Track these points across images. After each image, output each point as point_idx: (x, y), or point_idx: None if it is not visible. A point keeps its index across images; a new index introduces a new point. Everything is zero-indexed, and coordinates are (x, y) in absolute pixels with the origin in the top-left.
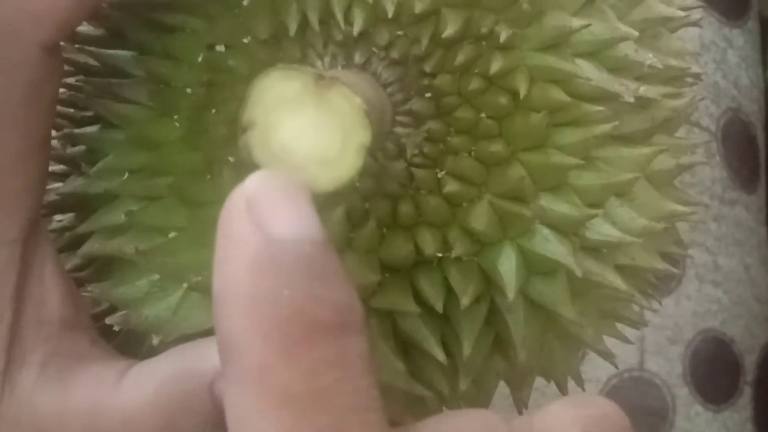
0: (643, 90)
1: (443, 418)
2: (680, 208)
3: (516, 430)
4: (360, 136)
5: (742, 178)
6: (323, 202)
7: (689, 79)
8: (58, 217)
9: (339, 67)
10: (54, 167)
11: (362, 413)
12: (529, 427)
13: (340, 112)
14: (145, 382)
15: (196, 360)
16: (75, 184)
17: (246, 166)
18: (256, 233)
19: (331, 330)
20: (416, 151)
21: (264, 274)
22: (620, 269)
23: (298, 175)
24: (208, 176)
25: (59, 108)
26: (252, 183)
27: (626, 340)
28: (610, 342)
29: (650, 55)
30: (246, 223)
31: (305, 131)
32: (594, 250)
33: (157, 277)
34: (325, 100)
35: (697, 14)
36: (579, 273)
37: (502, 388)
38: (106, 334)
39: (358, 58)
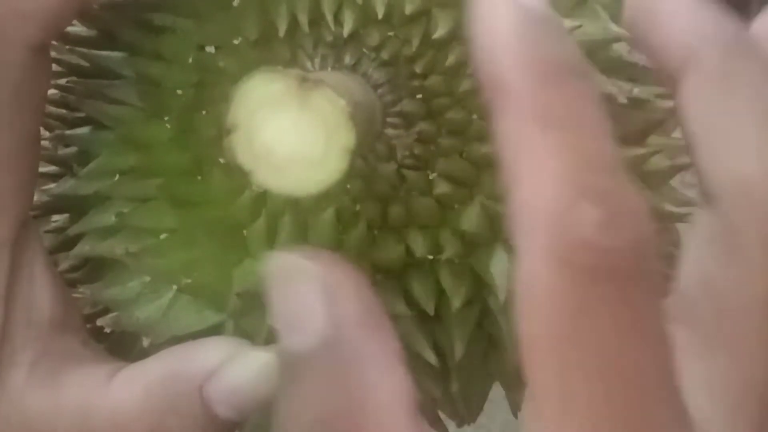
0: (637, 91)
1: None
2: (676, 209)
3: None
4: (344, 138)
5: None
6: (312, 204)
7: None
8: (54, 217)
9: (329, 68)
10: (46, 168)
11: (606, 138)
12: None
13: (323, 115)
14: (134, 384)
15: (186, 362)
16: (66, 185)
17: (236, 167)
18: (510, 10)
19: (578, 73)
20: (407, 153)
21: (525, 30)
22: None
23: (282, 177)
24: (199, 177)
25: (51, 109)
26: None
27: None
28: None
29: (643, 56)
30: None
31: (289, 134)
32: None
33: (148, 278)
34: (309, 102)
35: None
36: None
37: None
38: (98, 335)
39: (348, 59)
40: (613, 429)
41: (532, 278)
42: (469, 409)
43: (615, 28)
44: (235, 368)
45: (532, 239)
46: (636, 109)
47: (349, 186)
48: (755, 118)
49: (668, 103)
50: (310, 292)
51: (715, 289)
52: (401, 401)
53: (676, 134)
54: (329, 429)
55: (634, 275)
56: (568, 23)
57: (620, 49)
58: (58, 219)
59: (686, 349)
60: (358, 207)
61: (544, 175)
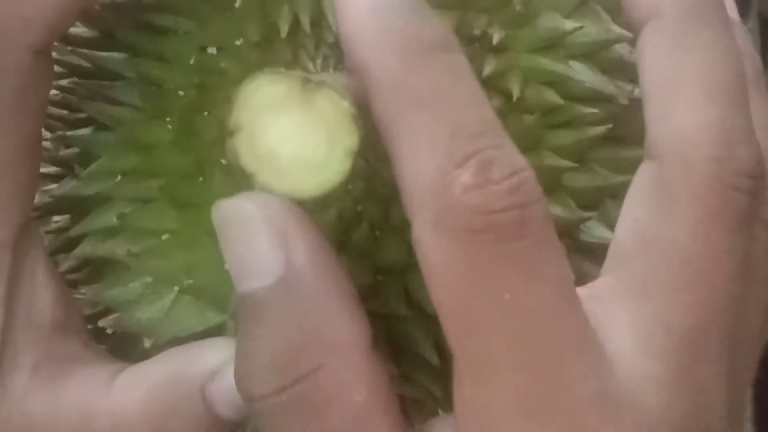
0: (638, 92)
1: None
2: None
3: None
4: (347, 140)
5: None
6: (315, 205)
7: None
8: (55, 218)
9: (331, 69)
10: (48, 169)
11: (476, 104)
12: None
13: (326, 116)
14: (136, 385)
15: (187, 363)
16: (68, 186)
17: (238, 169)
18: None
19: (441, 47)
20: None
21: (381, 13)
22: None
23: (284, 179)
24: (200, 179)
25: (53, 110)
26: None
27: None
28: None
29: None
30: None
31: (291, 135)
32: (589, 252)
33: (149, 279)
34: (312, 103)
35: None
36: (572, 276)
37: None
38: (100, 336)
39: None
40: (529, 382)
41: (428, 251)
42: None
43: (616, 29)
44: None
45: (420, 214)
46: (637, 110)
47: (350, 187)
48: (701, 81)
49: None
50: (262, 235)
51: (645, 241)
52: (358, 336)
53: None
54: (289, 366)
55: (518, 231)
56: (569, 24)
57: (621, 49)
58: (59, 220)
59: (616, 298)
60: (359, 207)
61: (421, 151)
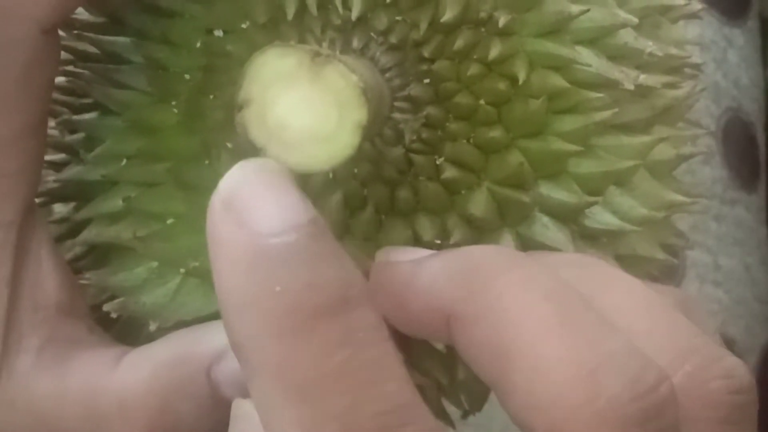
0: (643, 78)
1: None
2: (680, 197)
3: None
4: (356, 113)
5: (742, 178)
6: (321, 188)
7: (689, 70)
8: (58, 208)
9: (337, 52)
10: (53, 156)
11: (381, 385)
12: None
13: (336, 90)
14: (141, 366)
15: (193, 344)
16: (73, 170)
17: (244, 151)
18: (239, 234)
19: (331, 310)
20: (414, 137)
21: (255, 274)
22: (621, 259)
23: (294, 153)
24: (207, 161)
25: (58, 95)
26: (226, 182)
27: None
28: None
29: (650, 43)
30: (228, 226)
31: (301, 109)
32: (594, 238)
33: (155, 263)
34: (321, 77)
35: (697, 4)
36: None
37: None
38: (105, 322)
39: (356, 42)
40: None
41: None
42: (474, 398)
43: (622, 14)
44: None
45: None
46: (642, 96)
47: (356, 170)
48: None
49: (674, 92)
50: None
51: None
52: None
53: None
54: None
55: None
56: (575, 8)
57: (627, 35)
58: (62, 210)
59: None
60: (365, 191)
61: None
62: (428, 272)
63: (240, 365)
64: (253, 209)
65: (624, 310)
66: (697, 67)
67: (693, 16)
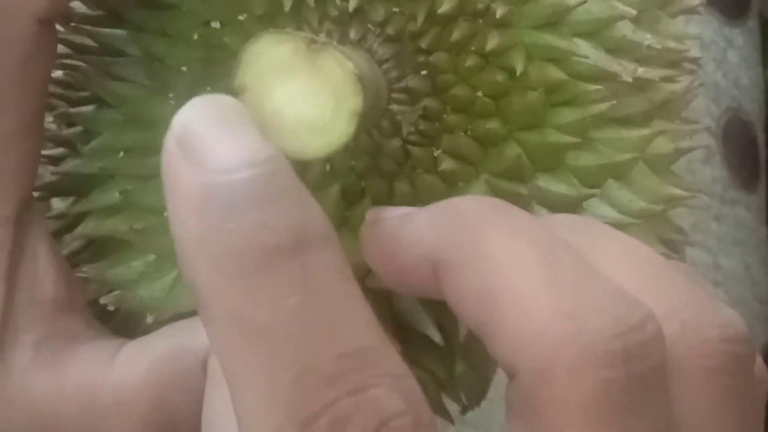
0: (642, 71)
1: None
2: (679, 191)
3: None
4: (352, 101)
5: (742, 178)
6: (318, 180)
7: (687, 65)
8: (56, 204)
9: (334, 44)
10: (51, 150)
11: (341, 328)
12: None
13: (331, 77)
14: (138, 360)
15: (189, 337)
16: (70, 164)
17: None
18: (192, 171)
19: (286, 251)
20: (412, 129)
21: (206, 212)
22: None
23: (290, 140)
24: None
25: (55, 89)
26: (180, 118)
27: None
28: None
29: (648, 36)
30: (181, 164)
31: (297, 96)
32: None
33: (152, 257)
34: (317, 64)
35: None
36: None
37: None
38: (102, 315)
39: (353, 34)
40: None
41: None
42: (473, 392)
43: (620, 7)
44: None
45: None
46: (640, 90)
47: (354, 162)
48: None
49: (673, 86)
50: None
51: None
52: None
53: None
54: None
55: None
56: (573, 0)
57: (625, 28)
58: (60, 206)
59: None
60: (363, 183)
61: (255, 406)
62: (415, 224)
63: (198, 311)
64: (206, 146)
65: (618, 264)
66: (695, 61)
67: (691, 11)
